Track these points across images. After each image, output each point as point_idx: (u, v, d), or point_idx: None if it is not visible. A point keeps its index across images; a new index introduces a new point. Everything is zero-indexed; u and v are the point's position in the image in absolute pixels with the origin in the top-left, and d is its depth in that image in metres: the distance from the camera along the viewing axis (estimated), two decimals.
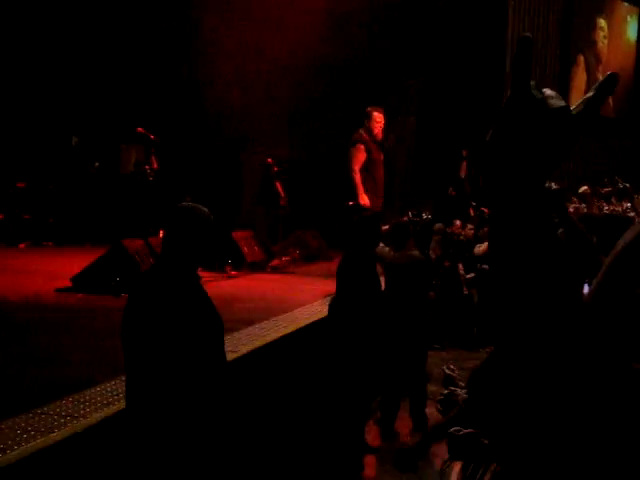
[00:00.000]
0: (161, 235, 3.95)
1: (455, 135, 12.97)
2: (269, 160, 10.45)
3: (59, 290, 7.45)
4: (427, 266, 6.93)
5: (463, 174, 12.11)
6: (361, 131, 8.54)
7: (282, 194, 10.37)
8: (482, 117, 13.41)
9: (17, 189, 11.74)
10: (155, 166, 9.74)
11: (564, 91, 15.88)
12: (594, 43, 17.21)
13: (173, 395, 3.05)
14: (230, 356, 4.15)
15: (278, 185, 10.34)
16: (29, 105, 12.21)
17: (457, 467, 2.83)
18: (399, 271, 6.61)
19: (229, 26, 12.86)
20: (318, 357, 6.11)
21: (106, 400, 4.00)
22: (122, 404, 3.61)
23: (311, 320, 6.59)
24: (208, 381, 3.15)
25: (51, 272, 8.49)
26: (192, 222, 3.20)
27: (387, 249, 6.70)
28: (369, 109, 8.62)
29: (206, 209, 3.26)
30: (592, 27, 17.10)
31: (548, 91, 1.57)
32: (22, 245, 11.15)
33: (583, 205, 11.27)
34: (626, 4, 18.09)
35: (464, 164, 12.09)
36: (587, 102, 1.61)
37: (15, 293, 7.16)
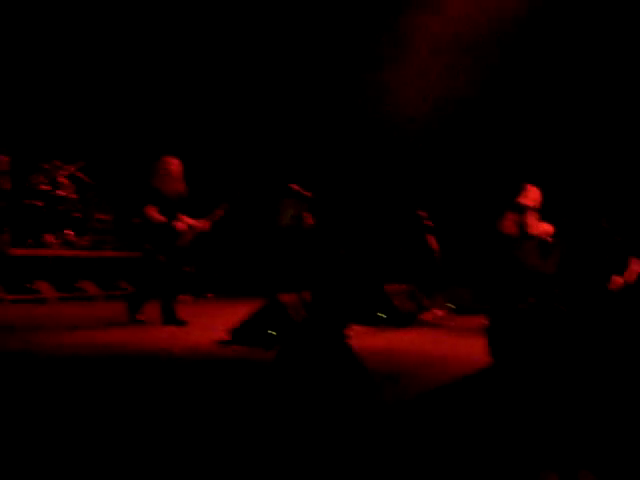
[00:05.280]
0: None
1: None
2: (421, 213, 10.47)
3: (218, 342, 7.81)
4: None
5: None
6: None
7: (435, 247, 10.34)
8: None
9: None
10: (310, 221, 10.00)
11: None
12: None
13: None
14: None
15: (430, 238, 10.33)
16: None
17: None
18: None
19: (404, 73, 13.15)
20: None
21: None
22: None
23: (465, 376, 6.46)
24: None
25: (209, 324, 8.98)
26: (340, 279, 3.29)
27: None
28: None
29: (355, 265, 3.33)
30: None
31: None
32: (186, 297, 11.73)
33: None
34: None
35: None
36: None
37: (177, 344, 7.57)
